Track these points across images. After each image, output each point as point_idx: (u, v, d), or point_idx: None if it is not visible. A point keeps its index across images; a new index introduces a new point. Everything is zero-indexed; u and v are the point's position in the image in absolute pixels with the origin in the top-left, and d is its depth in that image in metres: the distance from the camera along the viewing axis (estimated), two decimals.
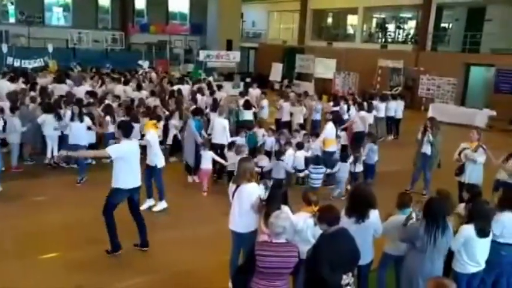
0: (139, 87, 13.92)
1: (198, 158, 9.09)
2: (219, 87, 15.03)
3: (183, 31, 31.61)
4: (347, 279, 4.05)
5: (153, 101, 12.27)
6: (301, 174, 9.02)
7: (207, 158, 8.72)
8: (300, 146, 9.24)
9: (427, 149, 8.82)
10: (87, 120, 9.23)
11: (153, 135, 7.53)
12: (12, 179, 8.77)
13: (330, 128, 9.64)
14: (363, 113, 11.85)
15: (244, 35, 32.20)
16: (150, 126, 7.75)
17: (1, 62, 17.21)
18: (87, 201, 7.83)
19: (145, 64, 22.32)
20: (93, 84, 14.43)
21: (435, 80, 20.25)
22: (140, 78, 16.72)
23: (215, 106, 11.13)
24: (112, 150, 5.99)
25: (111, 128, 9.84)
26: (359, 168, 8.94)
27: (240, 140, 9.47)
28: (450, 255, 4.68)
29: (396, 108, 14.53)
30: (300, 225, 4.66)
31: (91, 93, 11.83)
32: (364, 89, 20.18)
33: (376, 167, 9.41)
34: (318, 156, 9.08)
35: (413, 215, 4.70)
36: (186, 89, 14.41)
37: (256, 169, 6.76)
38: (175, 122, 10.60)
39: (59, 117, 9.57)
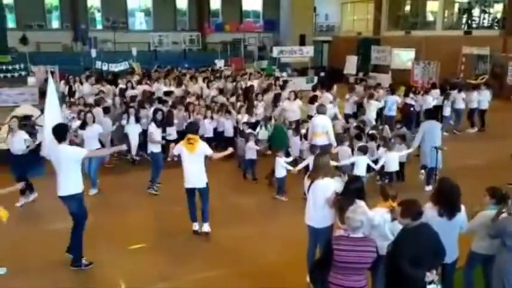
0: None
1: None
2: (285, 82, 15.12)
3: (256, 28, 32.01)
4: (431, 276, 3.92)
5: (221, 98, 12.66)
6: None
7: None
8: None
9: None
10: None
11: None
12: (103, 173, 9.40)
13: (317, 120, 9.09)
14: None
15: (317, 29, 31.87)
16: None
17: (90, 66, 18.56)
18: (167, 197, 8.33)
19: (220, 63, 22.86)
20: (169, 84, 14.93)
21: None
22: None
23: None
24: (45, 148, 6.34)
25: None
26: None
27: None
28: None
29: (480, 98, 13.60)
30: (377, 220, 4.57)
31: (168, 93, 12.38)
32: (446, 79, 19.14)
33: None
34: None
35: (504, 209, 4.42)
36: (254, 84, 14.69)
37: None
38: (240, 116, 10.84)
39: (137, 120, 10.13)
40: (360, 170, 8.13)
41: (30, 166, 8.14)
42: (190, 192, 6.76)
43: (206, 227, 6.85)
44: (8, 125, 7.90)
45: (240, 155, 9.81)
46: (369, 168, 8.41)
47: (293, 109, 11.26)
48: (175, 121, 10.31)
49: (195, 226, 6.90)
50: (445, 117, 12.96)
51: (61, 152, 5.71)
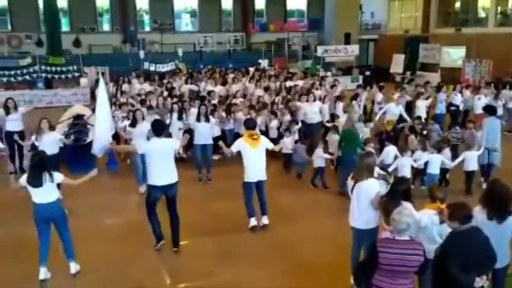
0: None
1: None
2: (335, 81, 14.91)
3: (300, 28, 31.84)
4: (481, 282, 3.80)
5: (267, 98, 12.65)
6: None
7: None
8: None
9: None
10: (212, 120, 9.67)
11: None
12: None
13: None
14: None
15: (362, 27, 31.33)
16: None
17: (139, 67, 19.13)
18: (213, 194, 8.45)
19: (264, 63, 22.92)
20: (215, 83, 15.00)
21: None
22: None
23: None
24: (138, 146, 6.65)
25: (230, 125, 10.75)
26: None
27: None
28: None
29: None
30: (424, 221, 4.46)
31: (209, 93, 12.51)
32: (498, 77, 18.32)
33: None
34: None
35: None
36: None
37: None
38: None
39: (180, 118, 10.26)
40: (434, 169, 7.96)
41: (75, 163, 8.61)
42: (252, 186, 6.99)
43: (266, 219, 7.14)
44: (38, 125, 8.13)
45: (295, 161, 9.62)
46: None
47: (314, 111, 11.00)
48: (212, 119, 10.38)
49: (254, 222, 7.05)
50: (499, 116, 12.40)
51: (165, 144, 6.25)
